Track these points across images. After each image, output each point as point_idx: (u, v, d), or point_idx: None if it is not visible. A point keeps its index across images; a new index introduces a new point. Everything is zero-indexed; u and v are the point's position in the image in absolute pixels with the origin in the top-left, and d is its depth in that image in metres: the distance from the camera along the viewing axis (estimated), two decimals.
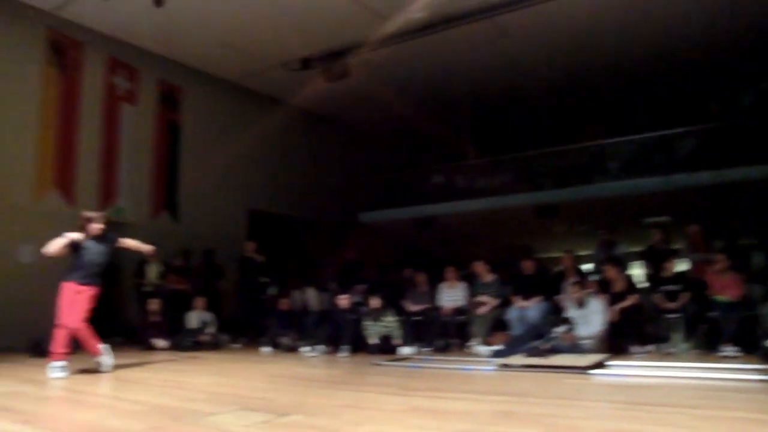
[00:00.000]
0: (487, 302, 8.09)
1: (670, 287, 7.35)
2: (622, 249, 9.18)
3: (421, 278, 8.93)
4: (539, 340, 6.38)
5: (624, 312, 7.05)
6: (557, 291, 7.93)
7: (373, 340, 7.79)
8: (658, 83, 12.69)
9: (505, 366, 5.88)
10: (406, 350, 7.55)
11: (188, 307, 8.97)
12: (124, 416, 3.52)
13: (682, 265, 8.36)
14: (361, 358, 7.14)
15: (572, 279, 7.51)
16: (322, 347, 7.86)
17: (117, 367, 5.83)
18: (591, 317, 6.72)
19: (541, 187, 12.42)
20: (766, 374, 4.84)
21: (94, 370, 5.56)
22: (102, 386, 5.05)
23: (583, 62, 11.74)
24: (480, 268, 8.50)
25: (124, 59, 10.70)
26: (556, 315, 7.18)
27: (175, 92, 11.56)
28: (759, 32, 10.28)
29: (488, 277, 8.42)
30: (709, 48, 10.96)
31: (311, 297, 9.97)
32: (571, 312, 6.86)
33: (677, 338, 7.11)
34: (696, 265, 8.25)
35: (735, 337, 6.62)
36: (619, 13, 9.91)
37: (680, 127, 11.36)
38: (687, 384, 4.72)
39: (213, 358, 7.36)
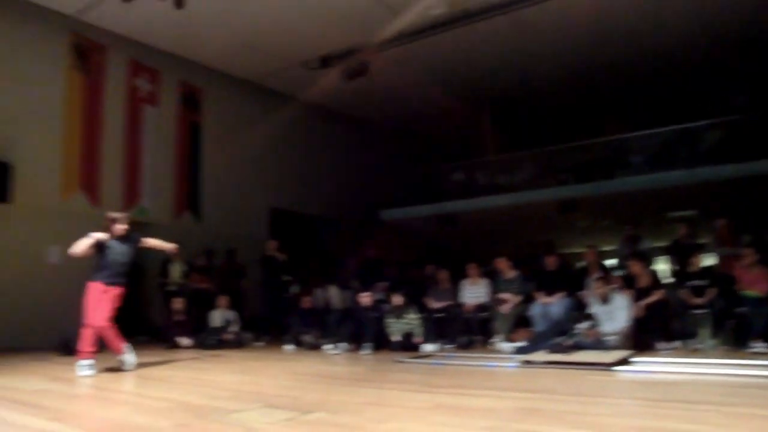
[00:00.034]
0: (510, 300, 8.04)
1: (697, 282, 7.22)
2: (647, 244, 9.05)
3: (444, 275, 8.90)
4: (562, 337, 6.32)
5: (649, 308, 6.95)
6: (580, 287, 7.85)
7: (395, 337, 7.78)
8: (682, 75, 12.49)
9: (528, 363, 5.84)
10: (428, 347, 7.53)
11: (211, 306, 9.06)
12: (151, 413, 3.57)
13: (708, 260, 8.22)
14: (384, 356, 7.13)
15: (596, 275, 7.42)
16: (344, 345, 7.87)
17: (142, 365, 5.91)
18: (615, 313, 6.63)
19: (563, 182, 12.30)
20: None
21: (119, 369, 5.64)
22: (128, 384, 5.12)
23: (604, 55, 11.61)
24: (502, 264, 8.44)
25: (146, 61, 10.84)
26: (579, 311, 7.10)
27: (195, 93, 11.67)
28: None
29: (511, 274, 8.36)
30: (734, 38, 10.76)
31: (333, 295, 10.00)
32: (595, 308, 6.78)
33: (705, 334, 6.99)
34: (723, 259, 8.11)
35: (765, 332, 6.50)
36: (640, 3, 9.76)
37: (705, 119, 11.16)
38: (715, 381, 4.63)
39: (236, 356, 7.42)
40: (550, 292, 7.81)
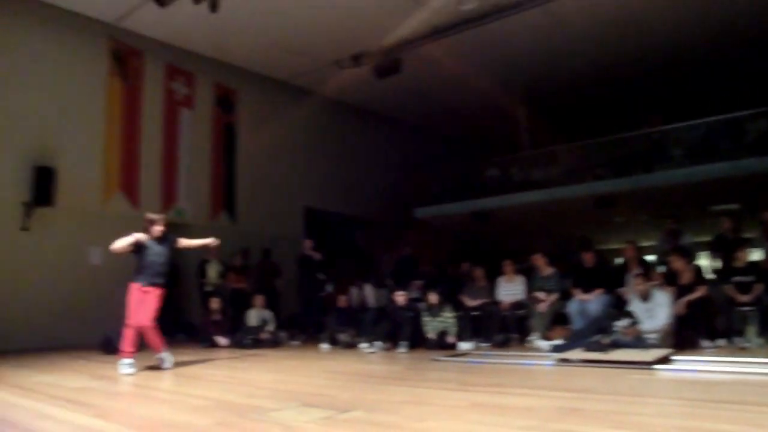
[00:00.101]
0: (546, 299, 7.92)
1: (743, 278, 6.99)
2: (688, 239, 8.81)
3: (479, 273, 8.84)
4: (600, 335, 6.19)
5: (692, 305, 6.75)
6: (619, 283, 7.68)
7: (431, 336, 7.75)
8: (724, 63, 12.10)
9: (566, 361, 5.74)
10: (465, 345, 7.48)
11: (248, 306, 9.16)
12: (191, 411, 3.62)
13: (755, 255, 7.93)
14: (420, 354, 7.11)
15: (636, 271, 7.25)
16: (380, 343, 7.86)
17: (181, 364, 6.01)
18: (656, 310, 6.45)
19: (599, 177, 12.05)
20: None
21: (158, 367, 5.76)
22: (168, 382, 5.22)
23: (641, 46, 11.35)
24: (539, 261, 8.33)
25: (181, 65, 11.03)
26: (617, 308, 6.95)
27: (230, 95, 11.83)
28: None
29: (547, 271, 8.24)
30: None
31: (369, 294, 10.01)
32: (635, 305, 6.61)
33: (751, 332, 6.75)
34: None
35: None
36: None
37: (749, 108, 10.77)
38: (762, 380, 4.46)
39: (273, 355, 7.49)
40: (587, 289, 7.67)
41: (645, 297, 6.58)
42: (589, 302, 7.52)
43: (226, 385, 4.92)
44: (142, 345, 5.75)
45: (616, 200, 11.46)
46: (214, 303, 8.90)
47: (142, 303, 5.60)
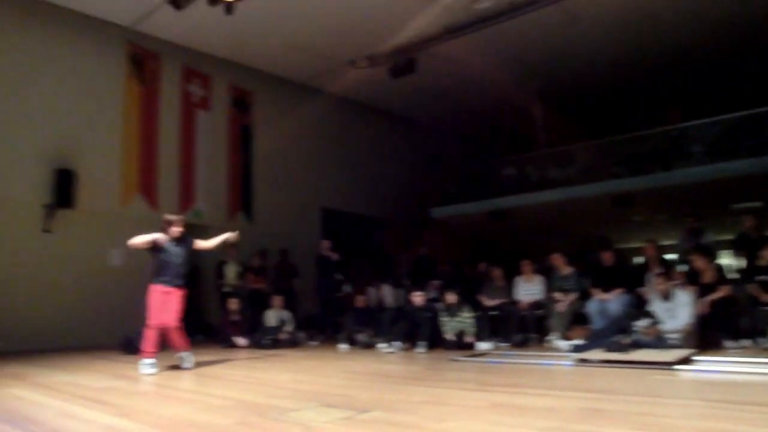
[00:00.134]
0: (565, 299, 7.86)
1: (767, 277, 6.87)
2: (710, 237, 8.69)
3: (497, 272, 8.80)
4: (621, 335, 6.13)
5: (715, 304, 6.66)
6: (638, 283, 7.60)
7: (450, 336, 7.72)
8: (743, 58, 11.92)
9: (585, 361, 5.69)
10: (483, 345, 7.44)
11: (266, 306, 9.19)
12: (212, 411, 3.65)
13: None
14: (439, 354, 7.09)
15: (656, 270, 7.16)
16: (398, 344, 7.85)
17: (201, 364, 6.06)
18: (678, 310, 6.37)
19: (617, 175, 11.93)
20: None
21: (179, 367, 5.81)
22: (189, 382, 5.26)
23: (658, 41, 11.21)
24: (558, 260, 8.27)
25: (197, 67, 11.12)
26: (637, 308, 6.87)
27: (246, 96, 11.90)
28: None
29: (566, 270, 8.18)
30: None
31: (387, 294, 10.01)
32: (656, 305, 6.53)
33: None
34: None
35: None
36: None
37: None
38: None
39: (291, 355, 7.51)
40: (607, 289, 7.60)
41: (666, 296, 6.50)
42: (608, 302, 7.45)
43: (245, 385, 4.95)
44: (164, 345, 5.80)
45: (634, 199, 11.34)
46: (233, 304, 8.95)
47: (165, 304, 5.65)
